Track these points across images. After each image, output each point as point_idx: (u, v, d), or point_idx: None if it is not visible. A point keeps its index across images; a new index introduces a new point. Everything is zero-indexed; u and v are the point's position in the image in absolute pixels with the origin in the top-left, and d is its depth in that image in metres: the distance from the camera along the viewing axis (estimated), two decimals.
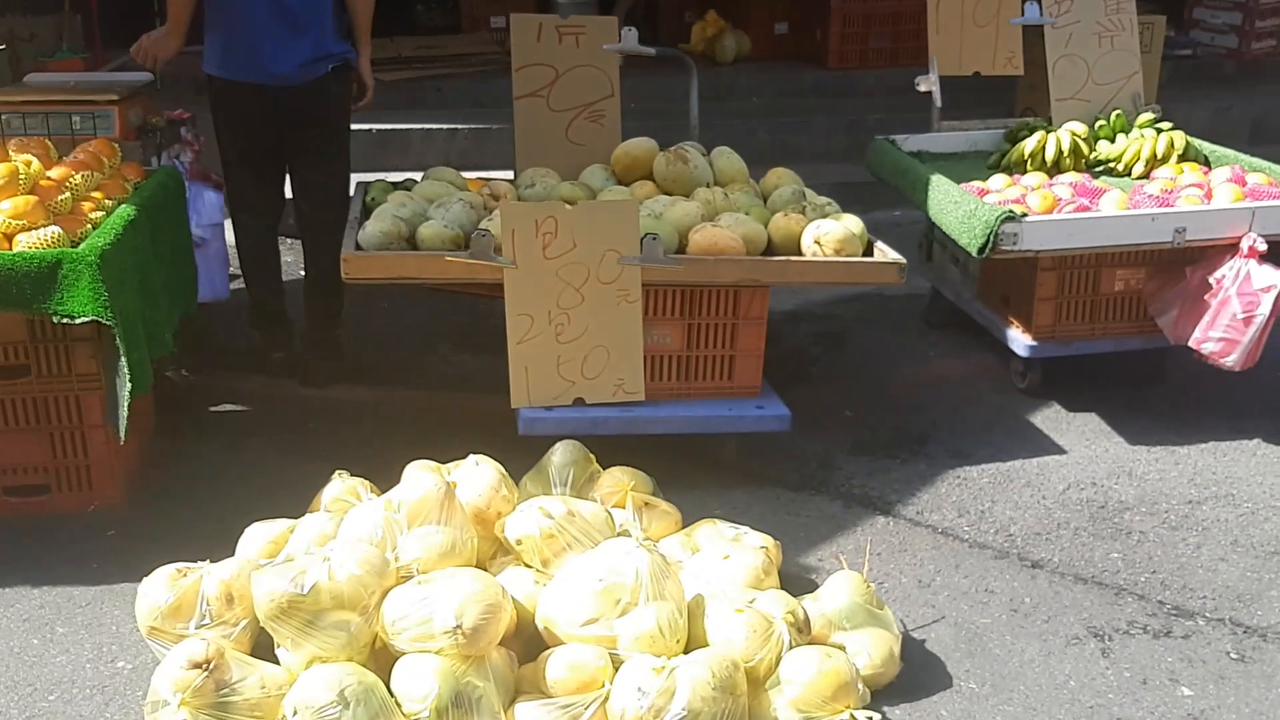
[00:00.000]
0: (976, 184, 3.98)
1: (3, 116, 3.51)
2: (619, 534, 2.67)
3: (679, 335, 3.37)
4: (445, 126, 6.42)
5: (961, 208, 3.64)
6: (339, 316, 3.98)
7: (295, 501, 2.91)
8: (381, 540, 2.43)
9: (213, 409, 3.79)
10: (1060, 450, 3.62)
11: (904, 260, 3.35)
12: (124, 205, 3.12)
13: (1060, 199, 3.73)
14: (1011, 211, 3.51)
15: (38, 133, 3.52)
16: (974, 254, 3.54)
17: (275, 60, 3.60)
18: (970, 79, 4.54)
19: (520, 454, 3.03)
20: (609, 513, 2.75)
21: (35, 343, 2.96)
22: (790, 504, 3.29)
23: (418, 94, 6.74)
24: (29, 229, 2.79)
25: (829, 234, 3.34)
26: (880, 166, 4.38)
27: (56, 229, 2.81)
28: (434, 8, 8.40)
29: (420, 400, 3.94)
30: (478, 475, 2.74)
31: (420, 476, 2.61)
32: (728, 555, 2.66)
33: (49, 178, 3.04)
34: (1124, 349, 3.89)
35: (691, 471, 3.33)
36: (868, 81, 7.12)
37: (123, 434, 2.78)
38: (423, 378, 4.15)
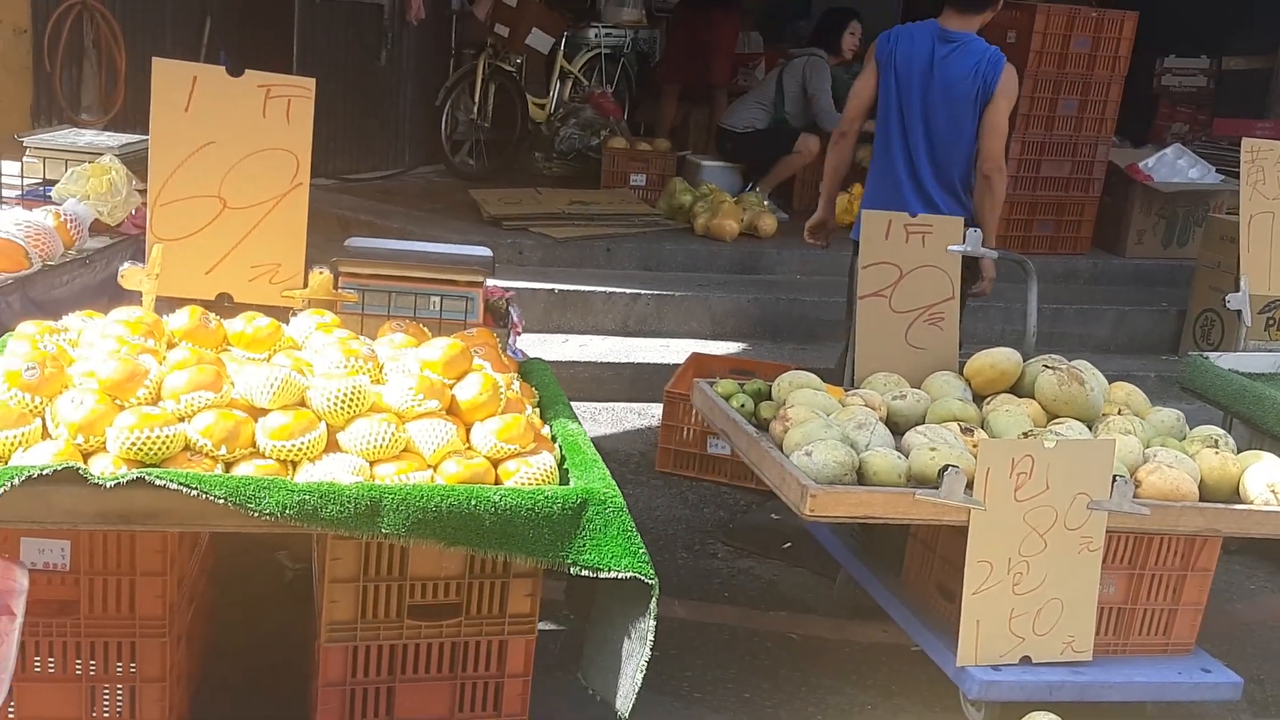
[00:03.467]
0: None
1: (367, 291, 3.11)
2: None
3: (1123, 585, 3.04)
4: (626, 291, 6.12)
5: None
6: None
7: None
8: None
9: None
10: None
11: None
12: (562, 420, 2.72)
13: None
14: None
15: (403, 313, 3.12)
16: None
17: None
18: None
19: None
20: None
21: (471, 578, 2.52)
22: None
23: (588, 253, 6.45)
24: (519, 455, 2.38)
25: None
26: (1205, 385, 4.15)
27: (549, 458, 2.41)
28: (570, 162, 8.22)
29: (745, 619, 3.55)
30: None
31: None
32: None
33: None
34: None
35: None
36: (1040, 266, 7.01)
37: (628, 708, 2.32)
38: (724, 589, 3.76)
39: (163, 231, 2.94)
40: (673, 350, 5.90)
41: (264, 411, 2.30)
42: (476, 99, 7.94)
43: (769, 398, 3.49)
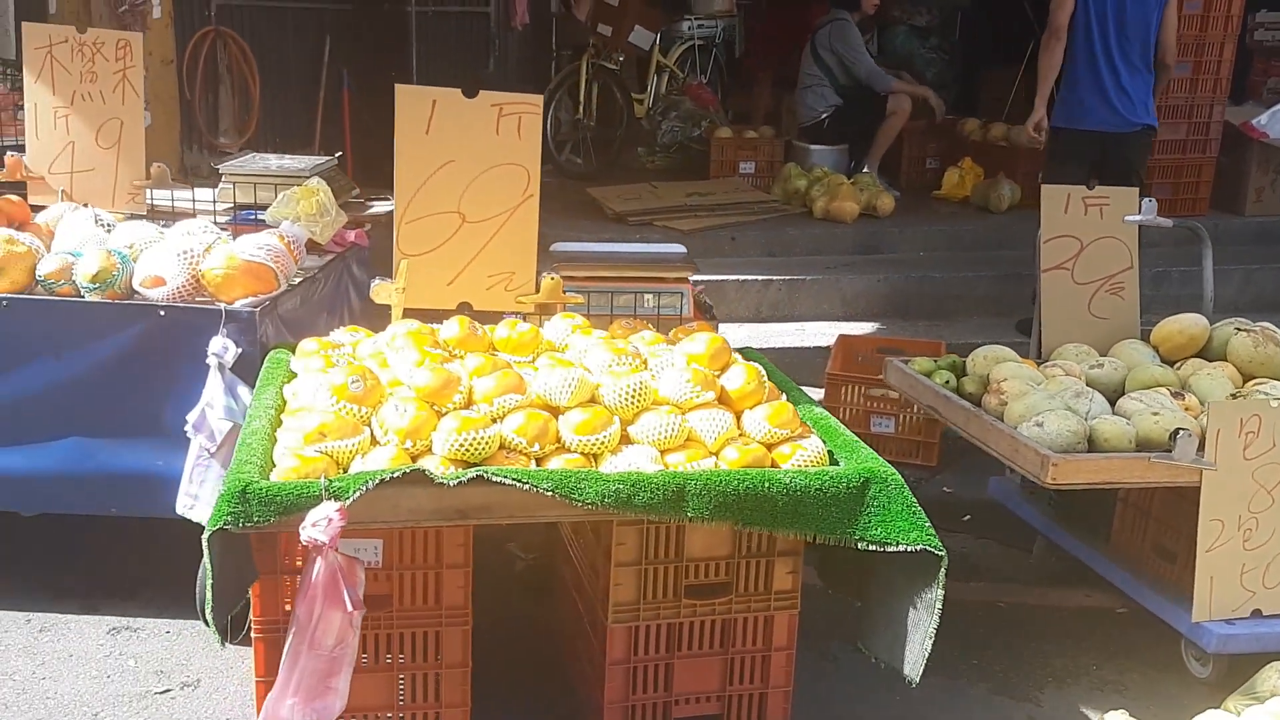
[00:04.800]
0: None
1: (590, 293, 3.27)
2: None
3: None
4: (757, 278, 6.24)
5: None
6: None
7: None
8: None
9: None
10: None
11: None
12: (805, 404, 2.86)
13: None
14: None
15: (624, 311, 3.28)
16: None
17: None
18: None
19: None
20: None
21: (739, 558, 2.67)
22: None
23: (714, 242, 6.58)
24: (790, 439, 2.53)
25: None
26: None
27: (818, 441, 2.55)
28: (672, 154, 8.33)
29: (949, 590, 3.66)
30: None
31: None
32: None
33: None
34: None
35: None
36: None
37: (918, 673, 2.46)
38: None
39: (408, 248, 3.12)
40: (808, 334, 6.02)
41: (562, 409, 2.46)
42: (581, 98, 8.09)
43: (964, 373, 3.61)
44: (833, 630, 3.16)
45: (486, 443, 2.33)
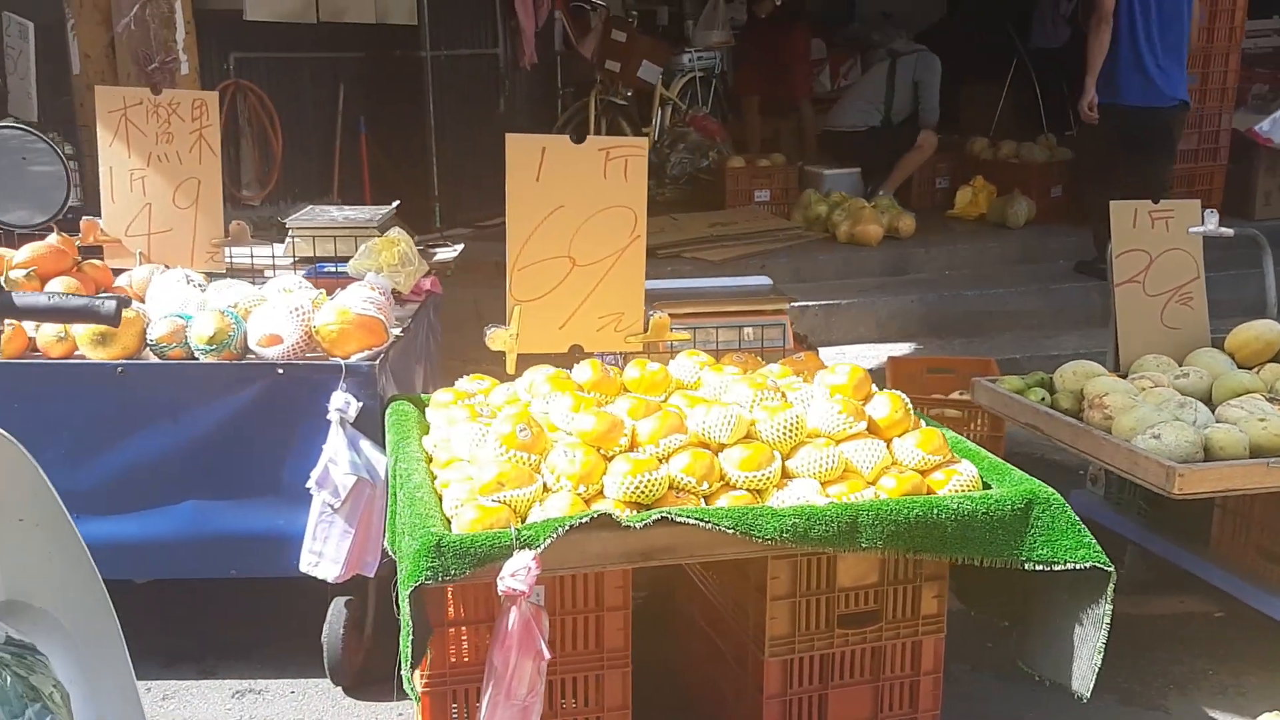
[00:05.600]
0: None
1: (696, 329, 3.30)
2: None
3: None
4: (794, 304, 6.28)
5: None
6: None
7: None
8: None
9: None
10: None
11: None
12: (932, 427, 2.90)
13: None
14: None
15: (729, 345, 3.31)
16: None
17: None
18: None
19: None
20: None
21: (887, 585, 2.70)
22: None
23: (744, 271, 6.63)
24: (942, 465, 2.57)
25: None
26: None
27: (970, 466, 2.59)
28: (682, 185, 8.40)
29: None
30: None
31: None
32: None
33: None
34: None
35: None
36: None
37: (1087, 688, 2.49)
38: None
39: (520, 294, 3.13)
40: (848, 356, 6.07)
41: (723, 446, 2.48)
42: (591, 135, 8.14)
43: (1052, 389, 3.66)
44: (951, 653, 3.18)
45: (658, 484, 2.35)
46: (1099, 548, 2.44)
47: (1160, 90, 6.06)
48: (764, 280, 3.76)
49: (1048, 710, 3.06)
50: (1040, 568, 2.44)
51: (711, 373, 2.81)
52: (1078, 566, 2.42)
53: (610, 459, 2.42)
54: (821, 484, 2.48)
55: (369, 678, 3.21)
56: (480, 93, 7.86)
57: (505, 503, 2.30)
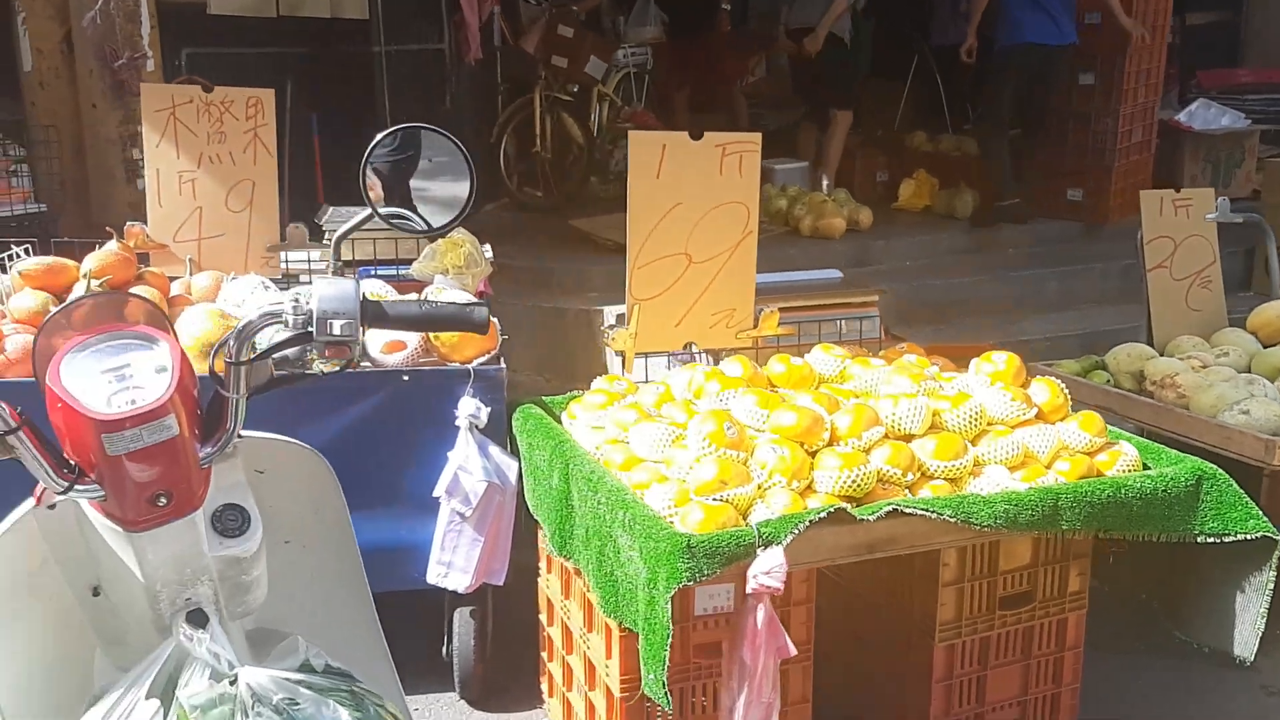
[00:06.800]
0: None
1: (798, 323, 3.33)
2: None
3: None
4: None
5: None
6: None
7: None
8: None
9: None
10: None
11: None
12: None
13: None
14: None
15: (829, 337, 3.35)
16: None
17: None
18: None
19: None
20: None
21: (1038, 565, 2.79)
22: None
23: None
24: (1105, 447, 2.66)
25: None
26: None
27: (1130, 447, 2.70)
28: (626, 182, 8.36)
29: None
30: None
31: None
32: None
33: None
34: None
35: None
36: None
37: (1250, 652, 2.63)
38: None
39: (640, 293, 3.11)
40: None
41: (911, 437, 2.52)
42: (537, 131, 8.08)
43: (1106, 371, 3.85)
44: None
45: (869, 477, 2.38)
46: (1265, 518, 2.58)
47: (1058, 28, 6.58)
48: (833, 273, 3.82)
49: (1167, 686, 3.16)
50: (1211, 540, 2.57)
51: (859, 366, 2.84)
52: (1247, 537, 2.55)
53: (813, 454, 2.43)
54: (1010, 469, 2.54)
55: (491, 688, 3.14)
56: (427, 89, 7.69)
57: (728, 501, 2.29)
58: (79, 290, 3.06)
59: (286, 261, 3.70)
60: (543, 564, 3.05)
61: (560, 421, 2.94)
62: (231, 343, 1.74)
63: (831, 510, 2.24)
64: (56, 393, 1.52)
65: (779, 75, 10.58)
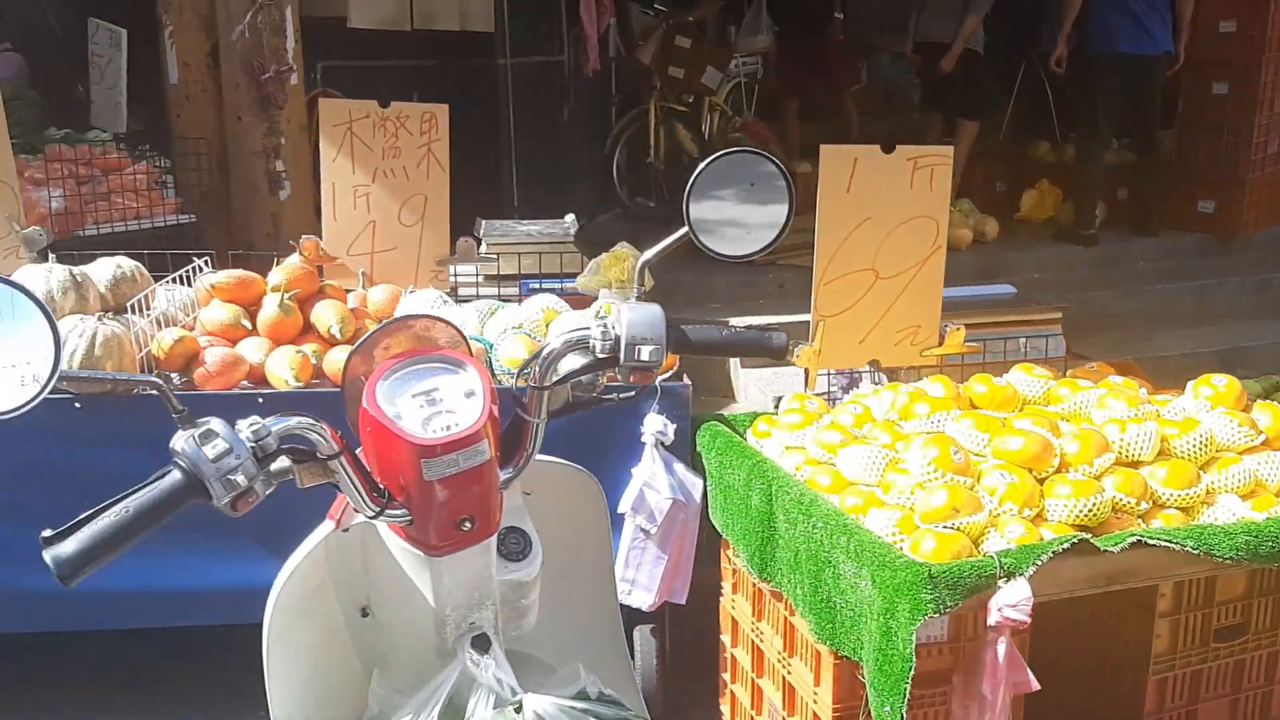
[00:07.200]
0: None
1: (987, 341, 3.25)
2: None
3: None
4: None
5: None
6: None
7: None
8: None
9: None
10: None
11: None
12: None
13: None
14: None
15: (1015, 356, 3.27)
16: None
17: None
18: None
19: None
20: None
21: (1254, 597, 2.68)
22: None
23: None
24: None
25: None
26: None
27: None
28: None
29: None
30: None
31: None
32: None
33: None
34: None
35: None
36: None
37: None
38: None
39: (825, 309, 3.06)
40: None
41: (1139, 463, 2.43)
42: (652, 142, 8.07)
43: None
44: None
45: (1104, 506, 2.30)
46: None
47: (1151, 38, 6.39)
48: (1007, 288, 3.73)
49: None
50: None
51: (1065, 388, 2.76)
52: None
53: (1041, 480, 2.35)
54: (1241, 497, 2.44)
55: (670, 708, 3.11)
56: (548, 101, 7.73)
57: (961, 529, 2.23)
58: (270, 303, 3.10)
59: (455, 275, 3.71)
60: (726, 584, 3.01)
61: (745, 439, 2.90)
62: (537, 367, 1.73)
63: (1075, 541, 2.16)
64: (375, 416, 1.52)
65: (878, 83, 10.50)
